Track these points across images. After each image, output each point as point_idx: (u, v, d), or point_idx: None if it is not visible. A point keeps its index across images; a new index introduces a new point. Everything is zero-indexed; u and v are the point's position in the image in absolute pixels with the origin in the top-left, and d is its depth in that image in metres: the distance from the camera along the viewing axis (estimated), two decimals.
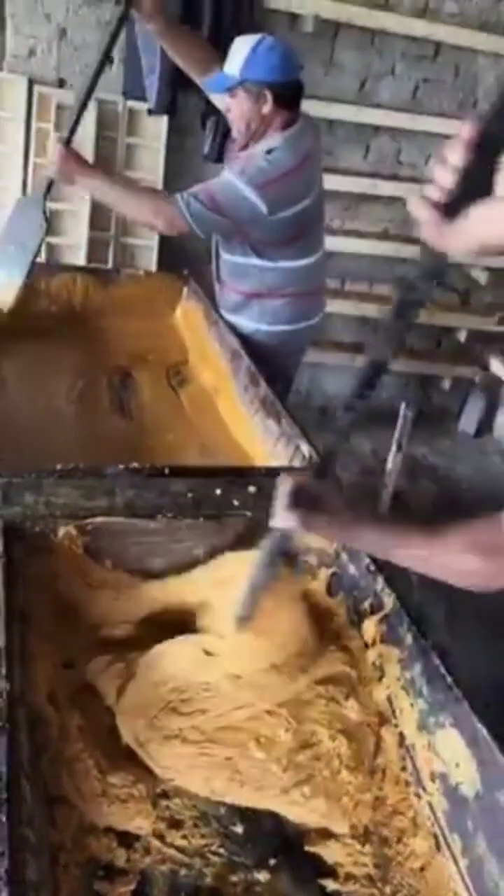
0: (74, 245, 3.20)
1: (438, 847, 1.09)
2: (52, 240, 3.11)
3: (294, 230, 2.24)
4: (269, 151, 2.13)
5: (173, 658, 1.24)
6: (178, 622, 1.35)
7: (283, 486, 1.13)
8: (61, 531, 1.34)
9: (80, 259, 3.18)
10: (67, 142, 2.24)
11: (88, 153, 3.00)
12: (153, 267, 3.27)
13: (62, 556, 1.34)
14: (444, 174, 0.64)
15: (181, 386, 2.39)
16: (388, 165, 3.54)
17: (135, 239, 3.32)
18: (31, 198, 2.67)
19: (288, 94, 2.14)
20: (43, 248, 2.70)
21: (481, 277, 3.58)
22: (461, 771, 1.09)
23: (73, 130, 2.28)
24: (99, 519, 1.36)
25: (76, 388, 2.21)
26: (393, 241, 3.59)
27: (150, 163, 3.25)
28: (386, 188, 3.47)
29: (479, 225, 0.64)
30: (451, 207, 0.65)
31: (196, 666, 1.22)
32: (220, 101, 2.30)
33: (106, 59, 2.21)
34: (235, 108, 2.16)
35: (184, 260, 2.91)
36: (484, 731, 1.05)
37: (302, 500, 1.11)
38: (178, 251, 3.13)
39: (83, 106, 2.28)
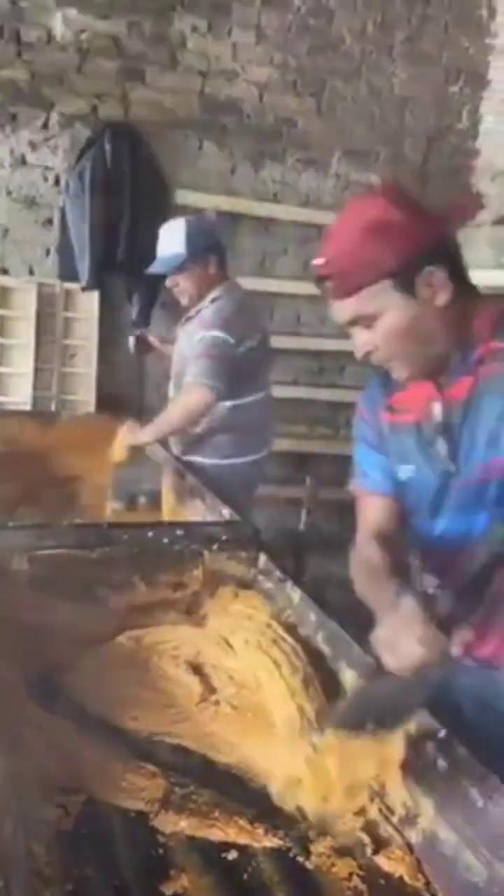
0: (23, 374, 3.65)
1: None
2: (2, 370, 3.61)
3: (243, 367, 2.51)
4: (213, 300, 2.55)
5: None
6: None
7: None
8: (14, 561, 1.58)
9: (27, 386, 3.63)
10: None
11: (31, 328, 3.51)
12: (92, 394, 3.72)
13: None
14: None
15: None
16: (289, 326, 4.16)
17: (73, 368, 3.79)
18: None
19: (222, 255, 2.61)
20: None
21: None
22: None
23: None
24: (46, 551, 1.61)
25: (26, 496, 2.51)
26: (301, 386, 4.14)
27: (86, 332, 3.76)
28: (290, 343, 4.04)
29: None
30: None
31: None
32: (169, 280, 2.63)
33: None
34: (185, 281, 2.57)
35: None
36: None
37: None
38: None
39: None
